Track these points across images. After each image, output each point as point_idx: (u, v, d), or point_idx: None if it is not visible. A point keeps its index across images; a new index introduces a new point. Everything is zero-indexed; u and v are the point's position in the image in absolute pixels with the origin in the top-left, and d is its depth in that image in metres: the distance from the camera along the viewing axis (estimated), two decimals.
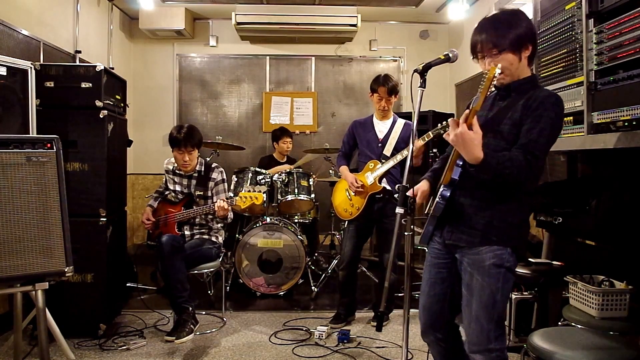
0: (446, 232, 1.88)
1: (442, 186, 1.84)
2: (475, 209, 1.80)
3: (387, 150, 3.37)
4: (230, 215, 3.38)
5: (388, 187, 3.35)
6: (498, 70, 1.65)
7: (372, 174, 3.35)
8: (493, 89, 1.90)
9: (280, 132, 5.13)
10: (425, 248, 2.03)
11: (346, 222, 3.59)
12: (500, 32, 1.75)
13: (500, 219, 1.78)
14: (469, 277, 1.80)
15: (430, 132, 3.05)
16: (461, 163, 1.74)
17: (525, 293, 2.77)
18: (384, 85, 3.33)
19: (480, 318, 1.75)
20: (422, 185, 2.04)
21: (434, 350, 2.03)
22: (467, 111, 1.63)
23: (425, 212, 2.02)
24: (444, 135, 1.71)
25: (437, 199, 1.83)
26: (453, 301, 1.94)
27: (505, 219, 1.78)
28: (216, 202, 3.24)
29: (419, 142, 3.05)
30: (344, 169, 3.50)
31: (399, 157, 3.24)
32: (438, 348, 2.01)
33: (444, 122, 2.86)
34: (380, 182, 3.33)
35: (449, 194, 1.80)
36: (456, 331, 2.01)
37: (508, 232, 1.78)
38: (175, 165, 3.47)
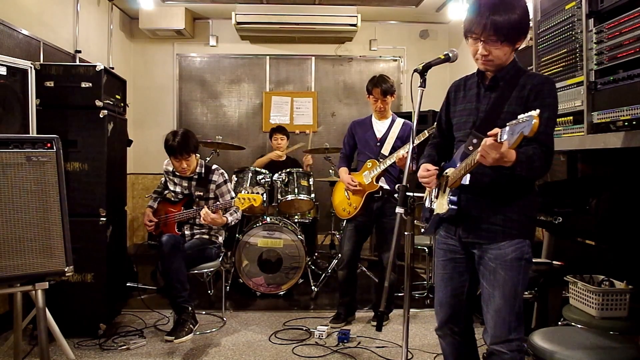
0: (462, 231, 1.88)
1: (449, 190, 1.83)
2: (491, 207, 1.81)
3: (385, 150, 3.37)
4: (232, 217, 3.37)
5: (386, 187, 3.35)
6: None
7: (370, 174, 3.35)
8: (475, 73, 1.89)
9: (273, 130, 5.17)
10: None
11: (345, 221, 3.59)
12: (506, 22, 1.67)
13: (520, 213, 1.80)
14: (492, 272, 1.80)
15: (425, 131, 3.05)
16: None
17: (525, 293, 2.76)
18: (378, 87, 3.33)
19: (503, 311, 1.77)
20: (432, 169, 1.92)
21: (447, 342, 2.02)
22: (493, 137, 1.52)
23: (426, 205, 2.01)
24: (477, 159, 1.57)
25: (447, 204, 1.82)
26: (469, 294, 1.95)
27: (524, 212, 1.81)
28: (201, 209, 3.24)
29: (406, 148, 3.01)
30: (342, 171, 3.50)
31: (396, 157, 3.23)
32: (452, 340, 2.00)
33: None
34: (377, 181, 3.33)
35: (457, 198, 1.81)
36: (471, 324, 2.02)
37: (527, 225, 1.83)
38: None
